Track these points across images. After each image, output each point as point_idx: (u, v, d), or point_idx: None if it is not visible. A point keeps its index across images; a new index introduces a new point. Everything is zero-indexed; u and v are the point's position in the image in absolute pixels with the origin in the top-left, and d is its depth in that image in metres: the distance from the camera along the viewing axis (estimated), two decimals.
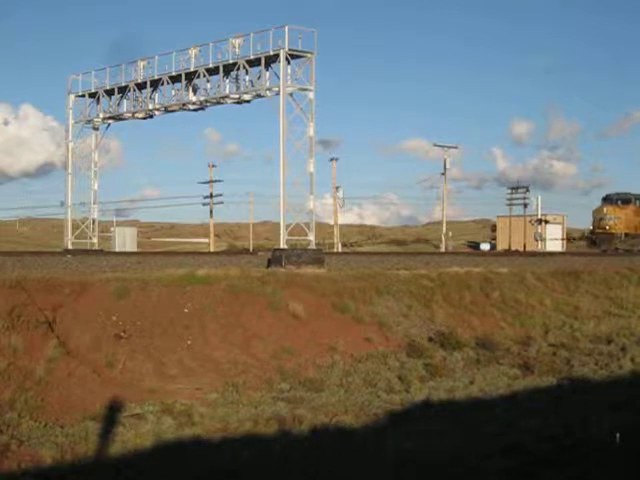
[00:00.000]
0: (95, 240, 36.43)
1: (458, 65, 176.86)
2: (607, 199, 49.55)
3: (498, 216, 75.82)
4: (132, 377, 15.26)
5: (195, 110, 31.80)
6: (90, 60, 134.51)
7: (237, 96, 29.50)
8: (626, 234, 47.76)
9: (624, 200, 49.13)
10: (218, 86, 29.76)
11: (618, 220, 47.78)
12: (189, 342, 16.77)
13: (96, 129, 35.86)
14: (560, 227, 71.80)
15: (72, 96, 35.16)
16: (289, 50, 26.49)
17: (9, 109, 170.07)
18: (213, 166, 65.79)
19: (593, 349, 21.32)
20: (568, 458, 10.42)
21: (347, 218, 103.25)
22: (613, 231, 47.76)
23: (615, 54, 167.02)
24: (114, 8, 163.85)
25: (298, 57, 26.92)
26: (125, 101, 33.54)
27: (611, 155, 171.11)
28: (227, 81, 29.46)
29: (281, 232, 26.47)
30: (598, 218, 48.87)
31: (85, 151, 36.37)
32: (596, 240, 48.22)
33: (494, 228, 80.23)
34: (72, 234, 36.42)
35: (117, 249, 43.27)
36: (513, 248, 64.01)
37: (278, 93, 26.97)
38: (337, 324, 19.53)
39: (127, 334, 16.26)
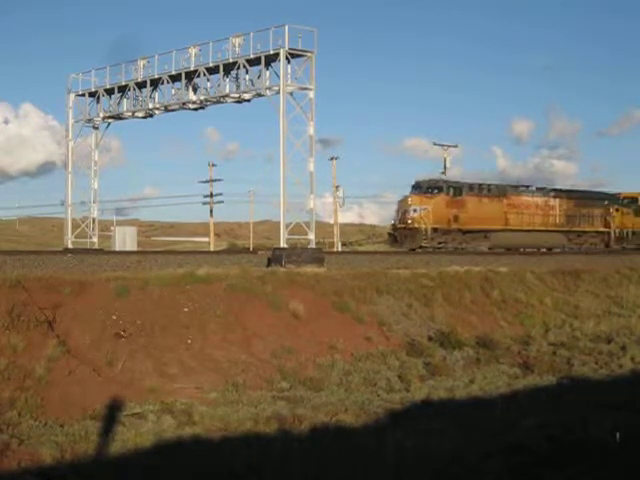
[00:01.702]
0: (95, 239, 36.37)
1: (458, 64, 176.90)
2: (415, 187, 40.04)
3: None
4: (132, 376, 15.27)
5: (195, 109, 31.77)
6: (90, 59, 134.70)
7: (237, 95, 29.47)
8: (435, 229, 38.10)
9: (434, 188, 39.63)
10: (218, 85, 29.74)
11: (424, 212, 37.99)
12: (189, 341, 16.78)
13: (96, 128, 35.82)
14: None
15: (72, 95, 35.11)
16: (289, 49, 26.48)
17: (9, 108, 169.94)
18: (213, 165, 65.72)
19: (593, 348, 21.32)
20: (568, 458, 10.41)
21: (347, 217, 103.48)
22: (417, 225, 38.06)
23: (616, 53, 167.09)
24: (114, 8, 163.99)
25: (298, 56, 26.92)
26: (125, 100, 33.50)
27: (612, 154, 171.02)
28: (227, 80, 29.43)
29: (281, 231, 26.47)
30: (402, 210, 39.49)
31: (85, 150, 36.35)
32: (398, 237, 39.12)
33: None
34: (72, 233, 36.37)
35: (117, 248, 43.20)
36: None
37: (278, 92, 26.96)
38: (337, 323, 19.55)
39: (127, 333, 16.26)
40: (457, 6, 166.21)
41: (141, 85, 32.38)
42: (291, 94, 27.06)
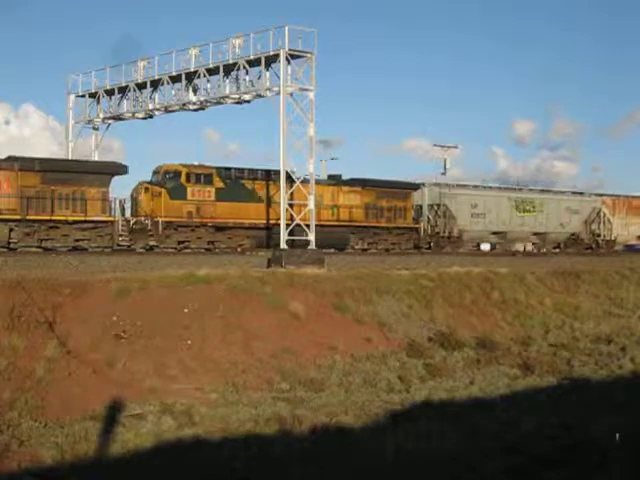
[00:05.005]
0: None
1: (458, 63, 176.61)
2: None
3: None
4: (132, 377, 15.25)
5: (195, 110, 31.80)
6: (90, 59, 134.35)
7: (237, 96, 29.50)
8: None
9: None
10: (218, 86, 29.76)
11: None
12: (189, 342, 16.76)
13: (96, 129, 35.83)
14: None
15: (72, 96, 35.10)
16: (289, 50, 26.52)
17: (10, 108, 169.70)
18: None
19: (593, 349, 21.33)
20: (568, 458, 10.42)
21: None
22: None
23: (618, 53, 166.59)
24: (114, 8, 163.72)
25: (298, 57, 26.95)
26: (125, 101, 33.52)
27: (613, 155, 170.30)
28: (227, 81, 29.46)
29: (281, 232, 26.49)
30: None
31: (86, 151, 36.34)
32: None
33: None
34: None
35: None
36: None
37: (278, 93, 26.99)
38: (337, 324, 19.53)
39: (127, 334, 16.25)
40: (457, 5, 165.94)
41: (141, 86, 32.39)
42: (291, 95, 27.08)
